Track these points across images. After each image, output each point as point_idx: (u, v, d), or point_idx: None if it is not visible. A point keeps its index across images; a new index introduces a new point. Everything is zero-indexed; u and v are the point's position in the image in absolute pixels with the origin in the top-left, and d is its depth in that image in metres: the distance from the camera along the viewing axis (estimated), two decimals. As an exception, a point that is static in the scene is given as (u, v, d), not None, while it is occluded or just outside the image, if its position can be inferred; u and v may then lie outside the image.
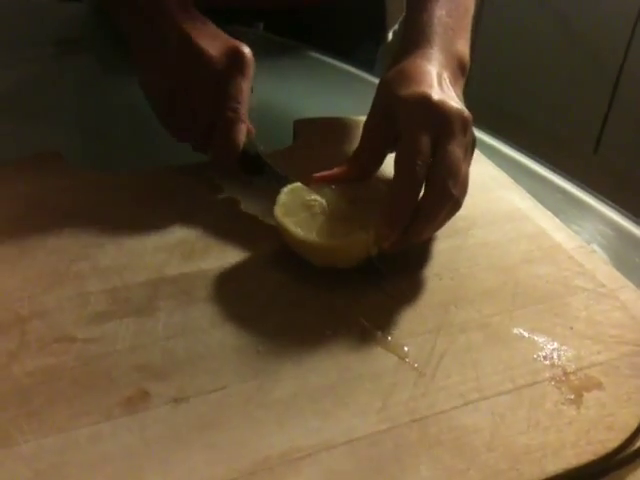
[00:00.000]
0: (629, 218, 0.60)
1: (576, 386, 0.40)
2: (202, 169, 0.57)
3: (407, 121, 0.47)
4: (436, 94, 0.48)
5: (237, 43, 0.53)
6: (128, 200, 0.54)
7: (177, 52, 0.53)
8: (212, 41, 0.53)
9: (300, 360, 0.41)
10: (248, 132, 0.53)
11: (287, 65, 0.83)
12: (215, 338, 0.42)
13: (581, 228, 0.58)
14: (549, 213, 0.56)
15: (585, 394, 0.40)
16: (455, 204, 0.47)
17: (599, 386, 0.40)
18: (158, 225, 0.51)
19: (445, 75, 0.52)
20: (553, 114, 2.02)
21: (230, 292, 0.45)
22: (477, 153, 0.64)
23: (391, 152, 0.49)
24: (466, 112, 0.48)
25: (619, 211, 0.61)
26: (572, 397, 0.40)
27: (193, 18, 0.54)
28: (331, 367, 0.40)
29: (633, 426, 0.38)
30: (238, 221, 0.52)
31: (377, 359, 0.41)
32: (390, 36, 1.00)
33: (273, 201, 0.49)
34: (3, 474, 0.33)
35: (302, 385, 0.39)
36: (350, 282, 0.47)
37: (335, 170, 0.51)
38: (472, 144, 0.50)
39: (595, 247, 0.55)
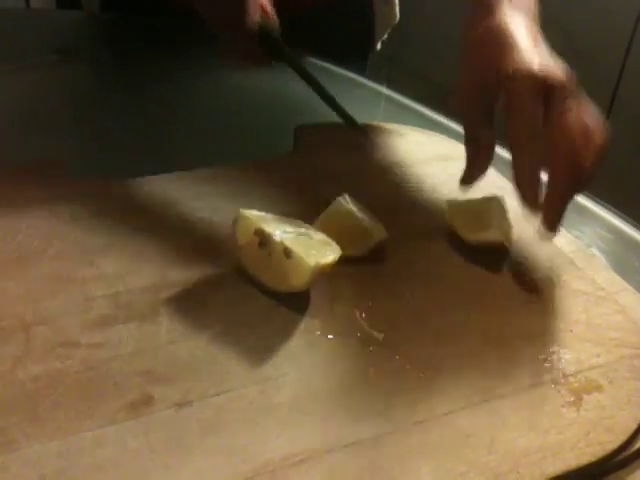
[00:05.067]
0: (628, 222, 0.61)
1: (576, 388, 0.41)
2: (202, 176, 0.58)
3: (514, 94, 0.46)
4: (535, 58, 0.47)
5: None
6: (129, 206, 0.54)
7: None
8: None
9: (301, 364, 0.41)
10: (265, 14, 0.54)
11: (285, 70, 0.83)
12: (218, 343, 0.42)
13: (581, 232, 0.58)
14: (548, 217, 0.57)
15: (585, 396, 0.40)
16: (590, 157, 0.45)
17: (599, 388, 0.41)
18: (160, 230, 0.51)
19: (534, 29, 0.50)
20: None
21: (232, 296, 0.46)
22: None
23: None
24: (563, 69, 0.47)
25: (618, 215, 0.62)
26: (572, 399, 0.40)
27: None
28: (332, 371, 0.41)
29: (632, 428, 0.38)
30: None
31: (378, 362, 0.42)
32: (379, 46, 1.00)
33: None
34: (8, 478, 0.34)
35: (304, 389, 0.39)
36: (351, 286, 0.47)
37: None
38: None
39: (595, 251, 0.56)
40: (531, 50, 0.47)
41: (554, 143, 0.45)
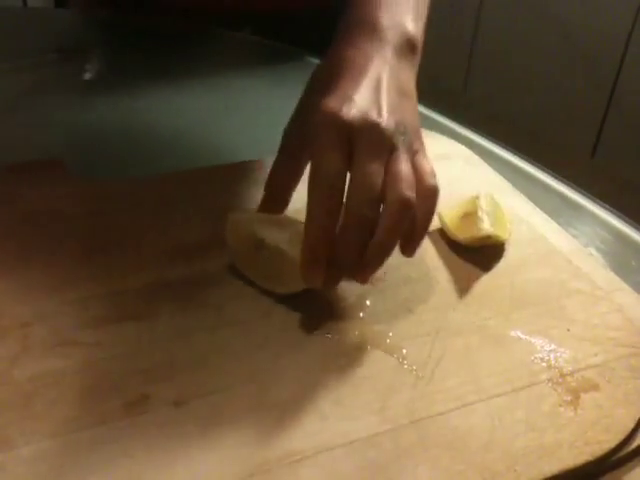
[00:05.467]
0: (626, 222, 0.61)
1: (573, 388, 0.41)
2: (200, 176, 0.58)
3: (314, 139, 0.41)
4: (350, 100, 0.42)
5: None
6: (128, 207, 0.54)
7: None
8: None
9: (299, 362, 0.41)
10: None
11: (282, 70, 0.84)
12: (215, 341, 0.42)
13: (578, 232, 0.58)
14: (547, 217, 0.57)
15: (582, 395, 0.40)
16: (400, 219, 0.41)
17: (596, 388, 0.41)
18: (158, 230, 0.51)
19: (385, 55, 0.46)
20: (551, 119, 2.03)
21: (229, 295, 0.46)
22: (476, 158, 0.65)
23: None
24: (379, 116, 0.42)
25: (616, 215, 0.62)
26: (569, 399, 0.40)
27: None
28: (330, 369, 0.41)
29: (630, 427, 0.38)
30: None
31: (376, 361, 0.42)
32: None
33: None
34: (4, 477, 0.34)
35: (301, 387, 0.39)
36: (349, 285, 0.47)
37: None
38: (404, 143, 0.43)
39: (592, 250, 0.56)
40: (352, 88, 0.43)
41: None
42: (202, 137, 0.69)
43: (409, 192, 0.40)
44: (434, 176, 0.43)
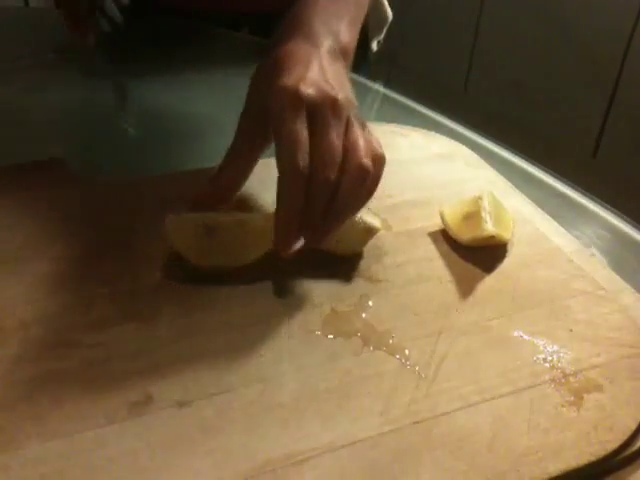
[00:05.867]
0: (628, 222, 0.61)
1: (576, 388, 0.41)
2: (201, 176, 0.58)
3: (277, 112, 0.44)
4: (304, 78, 0.45)
5: None
6: (130, 207, 0.54)
7: None
8: None
9: (302, 364, 0.41)
10: None
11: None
12: (218, 342, 0.42)
13: (580, 232, 0.58)
14: (548, 217, 0.57)
15: (585, 396, 0.40)
16: (363, 183, 0.44)
17: (598, 388, 0.41)
18: (160, 231, 0.51)
19: (320, 54, 0.49)
20: (552, 119, 2.03)
21: (232, 296, 0.46)
22: (476, 158, 0.65)
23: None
24: (334, 92, 0.45)
25: (618, 215, 0.62)
26: (572, 399, 0.40)
27: None
28: (333, 370, 0.41)
29: (632, 427, 0.38)
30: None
31: (379, 362, 0.42)
32: (375, 47, 1.00)
33: None
34: (8, 477, 0.34)
35: (304, 388, 0.39)
36: (350, 286, 0.47)
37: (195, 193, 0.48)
38: (356, 116, 0.47)
39: (594, 251, 0.56)
40: (304, 72, 0.46)
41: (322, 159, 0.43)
42: (203, 137, 0.69)
43: (367, 160, 0.44)
44: (381, 146, 0.47)
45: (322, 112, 0.44)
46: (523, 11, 2.04)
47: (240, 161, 0.49)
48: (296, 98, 0.44)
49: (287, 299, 0.46)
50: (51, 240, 0.49)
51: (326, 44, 0.51)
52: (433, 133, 0.69)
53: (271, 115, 0.44)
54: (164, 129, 0.70)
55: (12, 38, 0.92)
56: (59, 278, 0.46)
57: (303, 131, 0.44)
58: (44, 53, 0.87)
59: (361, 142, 0.45)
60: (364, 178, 0.44)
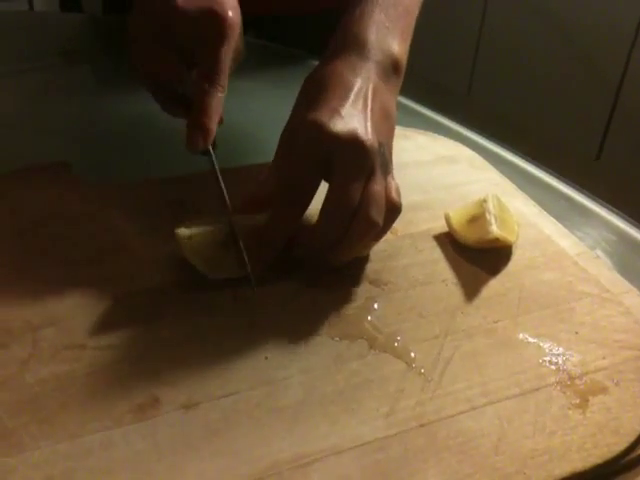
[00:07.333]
0: (632, 224, 0.61)
1: (581, 390, 0.41)
2: (203, 179, 0.58)
3: (296, 148, 0.46)
4: (335, 121, 0.45)
5: (218, 7, 0.50)
6: (135, 209, 0.54)
7: None
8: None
9: (308, 366, 0.41)
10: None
11: (285, 72, 0.83)
12: (224, 345, 0.42)
13: (585, 234, 0.58)
14: (553, 219, 0.57)
15: (590, 398, 0.40)
16: (368, 232, 0.45)
17: (604, 390, 0.41)
18: (165, 233, 0.51)
19: (370, 75, 0.49)
20: (556, 121, 2.02)
21: (238, 299, 0.46)
22: (481, 161, 0.65)
23: None
24: (363, 137, 0.45)
25: (622, 217, 0.62)
26: (578, 401, 0.40)
27: None
28: (339, 373, 0.41)
29: (638, 430, 0.38)
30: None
31: (384, 365, 0.42)
32: None
33: None
34: (16, 480, 0.34)
35: (310, 391, 0.40)
36: (356, 289, 0.47)
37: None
38: (382, 164, 0.46)
39: (599, 253, 0.56)
40: (338, 111, 0.45)
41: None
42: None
43: (379, 217, 0.45)
44: (399, 195, 0.47)
45: (346, 156, 0.45)
46: (526, 14, 2.04)
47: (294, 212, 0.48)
48: (322, 136, 0.44)
49: (293, 302, 0.46)
50: (57, 242, 0.50)
51: (379, 59, 0.50)
52: (437, 135, 0.69)
53: (294, 147, 0.46)
54: (168, 132, 0.70)
55: (16, 42, 0.93)
56: (65, 281, 0.46)
57: (314, 175, 0.46)
58: (48, 56, 0.87)
59: (377, 197, 0.45)
60: (370, 232, 0.45)
